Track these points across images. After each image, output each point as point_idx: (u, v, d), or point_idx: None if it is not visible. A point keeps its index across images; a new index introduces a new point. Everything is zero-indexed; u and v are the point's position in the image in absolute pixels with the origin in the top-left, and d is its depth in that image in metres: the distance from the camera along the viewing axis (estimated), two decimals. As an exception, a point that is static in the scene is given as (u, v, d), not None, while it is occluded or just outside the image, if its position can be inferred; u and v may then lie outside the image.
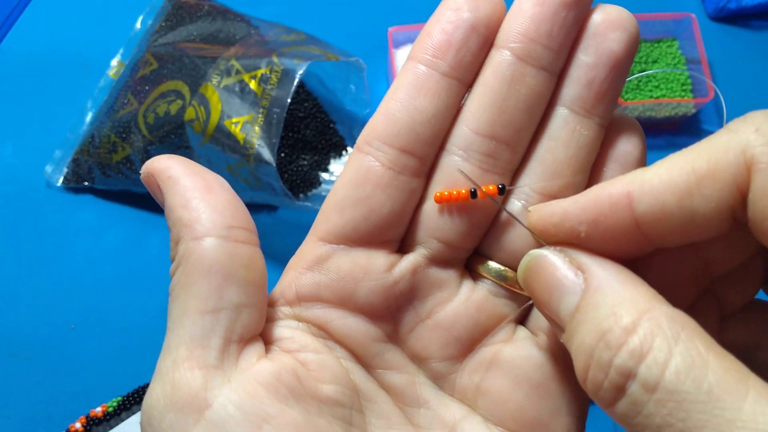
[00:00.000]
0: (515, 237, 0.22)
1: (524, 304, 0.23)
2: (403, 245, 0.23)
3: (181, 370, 0.19)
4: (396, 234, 0.22)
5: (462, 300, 0.22)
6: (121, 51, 0.63)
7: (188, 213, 0.21)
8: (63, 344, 0.54)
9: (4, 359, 0.53)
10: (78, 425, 0.50)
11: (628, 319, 0.16)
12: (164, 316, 0.21)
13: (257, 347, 0.21)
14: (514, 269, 0.22)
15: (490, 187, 0.22)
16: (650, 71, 0.62)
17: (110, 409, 0.51)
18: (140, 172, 0.22)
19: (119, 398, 0.51)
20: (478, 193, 0.21)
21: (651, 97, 0.61)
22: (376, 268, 0.22)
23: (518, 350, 0.22)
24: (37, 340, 0.54)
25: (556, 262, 0.19)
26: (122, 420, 0.50)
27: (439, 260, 0.22)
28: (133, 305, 0.55)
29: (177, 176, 0.21)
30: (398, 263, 0.22)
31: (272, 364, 0.20)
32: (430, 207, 0.22)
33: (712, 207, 0.17)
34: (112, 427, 0.50)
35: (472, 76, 0.22)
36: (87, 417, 0.50)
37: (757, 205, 0.16)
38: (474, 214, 0.22)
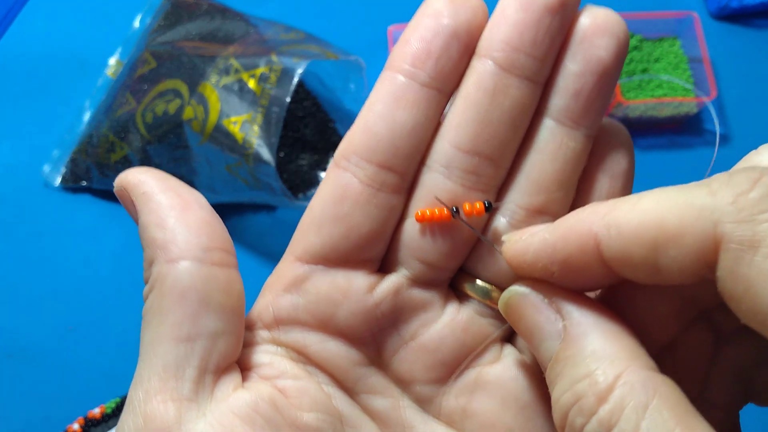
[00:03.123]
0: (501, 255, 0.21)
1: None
2: (383, 264, 0.22)
3: (154, 402, 0.18)
4: (376, 253, 0.21)
5: (447, 321, 0.21)
6: (119, 50, 0.63)
7: (163, 233, 0.19)
8: (61, 345, 0.54)
9: (2, 360, 0.53)
10: (76, 426, 0.50)
11: (603, 385, 0.16)
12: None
13: (234, 376, 0.20)
14: (501, 288, 0.21)
15: (477, 205, 0.20)
16: (651, 75, 0.62)
17: (108, 410, 0.51)
18: (113, 185, 0.21)
19: (117, 399, 0.51)
20: (461, 213, 0.20)
21: (653, 96, 0.61)
22: (357, 290, 0.21)
23: (505, 371, 0.21)
24: (34, 340, 0.54)
25: (536, 303, 0.19)
26: (120, 421, 0.50)
27: (421, 281, 0.21)
28: (131, 306, 0.54)
29: (151, 192, 0.20)
30: (379, 284, 0.21)
31: (249, 394, 0.19)
32: (410, 225, 0.21)
33: (677, 269, 0.16)
34: (110, 428, 0.50)
35: (453, 85, 0.21)
36: (85, 418, 0.50)
37: (725, 284, 0.15)
38: (457, 233, 0.21)
